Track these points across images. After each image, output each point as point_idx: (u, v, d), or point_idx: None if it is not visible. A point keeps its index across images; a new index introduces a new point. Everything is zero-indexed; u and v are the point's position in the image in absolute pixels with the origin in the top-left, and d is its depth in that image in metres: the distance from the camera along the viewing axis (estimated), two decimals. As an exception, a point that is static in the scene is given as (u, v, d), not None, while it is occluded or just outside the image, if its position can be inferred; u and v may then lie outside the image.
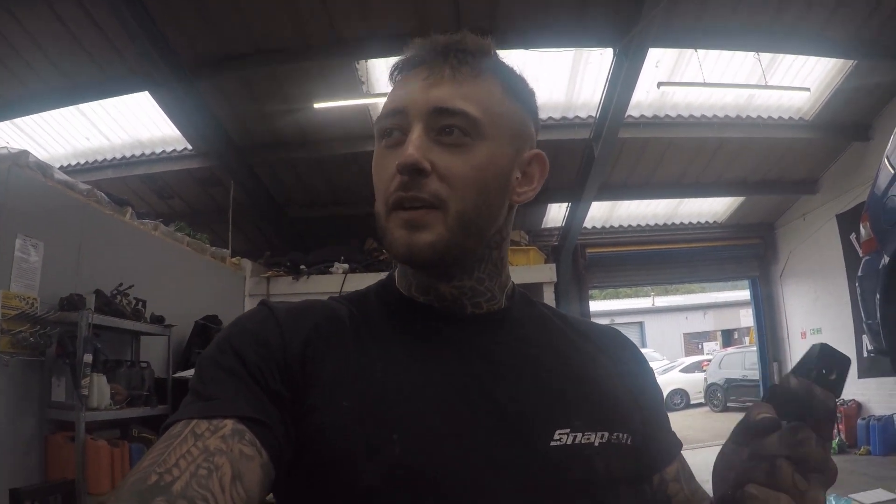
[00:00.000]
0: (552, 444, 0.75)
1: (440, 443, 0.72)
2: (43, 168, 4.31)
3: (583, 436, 0.77)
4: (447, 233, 0.78)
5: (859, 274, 4.67)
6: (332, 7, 6.10)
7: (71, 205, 4.54)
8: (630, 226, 11.55)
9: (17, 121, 7.44)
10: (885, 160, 4.46)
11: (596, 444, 0.77)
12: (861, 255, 5.01)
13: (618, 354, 0.94)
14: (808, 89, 7.58)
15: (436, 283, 0.85)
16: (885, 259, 4.14)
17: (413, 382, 0.76)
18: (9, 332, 3.60)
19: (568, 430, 0.76)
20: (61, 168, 6.21)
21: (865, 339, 8.20)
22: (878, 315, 4.13)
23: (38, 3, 5.64)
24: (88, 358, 4.00)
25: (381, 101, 6.98)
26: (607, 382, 0.85)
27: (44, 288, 3.97)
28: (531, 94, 0.90)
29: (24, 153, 4.07)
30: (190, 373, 5.39)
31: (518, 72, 0.89)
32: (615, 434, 0.79)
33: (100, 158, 8.36)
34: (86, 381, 3.97)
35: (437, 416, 0.74)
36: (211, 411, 0.68)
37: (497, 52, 0.87)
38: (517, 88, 0.87)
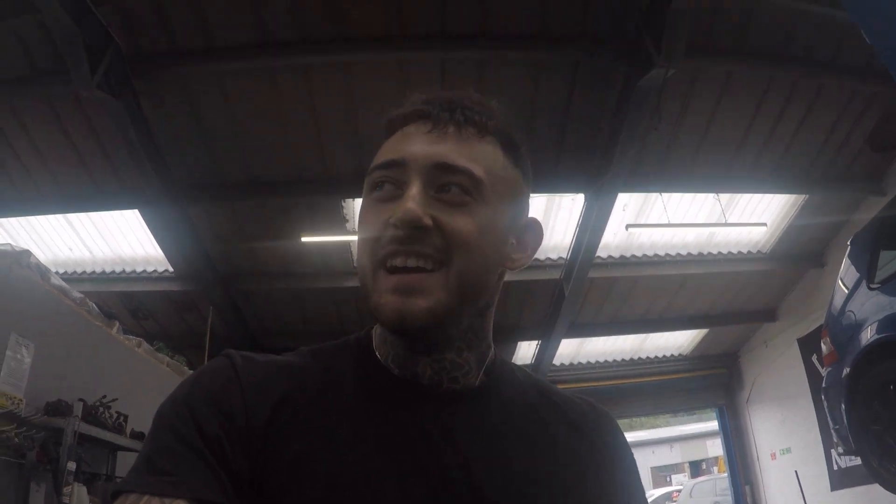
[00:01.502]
0: None
1: None
2: (42, 271, 4.38)
3: None
4: (447, 297, 0.73)
5: (823, 385, 4.92)
6: (327, 146, 6.50)
7: (63, 311, 4.58)
8: (598, 362, 11.79)
9: (3, 221, 7.46)
10: (839, 282, 4.84)
11: None
12: (823, 369, 5.29)
13: (597, 437, 0.88)
14: (764, 224, 8.13)
15: (415, 356, 0.79)
16: (847, 369, 4.40)
17: (381, 472, 0.71)
18: (-9, 431, 3.50)
19: None
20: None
21: (834, 453, 8.37)
22: (845, 420, 4.34)
23: (46, 112, 5.94)
24: (72, 466, 3.92)
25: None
26: (581, 472, 0.81)
27: (29, 389, 3.91)
28: (527, 159, 0.87)
29: (27, 253, 4.15)
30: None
31: (518, 136, 0.86)
32: None
33: (79, 270, 8.33)
34: (67, 489, 3.87)
35: None
36: (163, 489, 0.65)
37: (500, 112, 0.84)
38: (517, 154, 0.84)
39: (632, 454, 0.93)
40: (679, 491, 18.65)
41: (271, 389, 0.74)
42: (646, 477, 26.50)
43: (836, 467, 8.78)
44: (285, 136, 6.47)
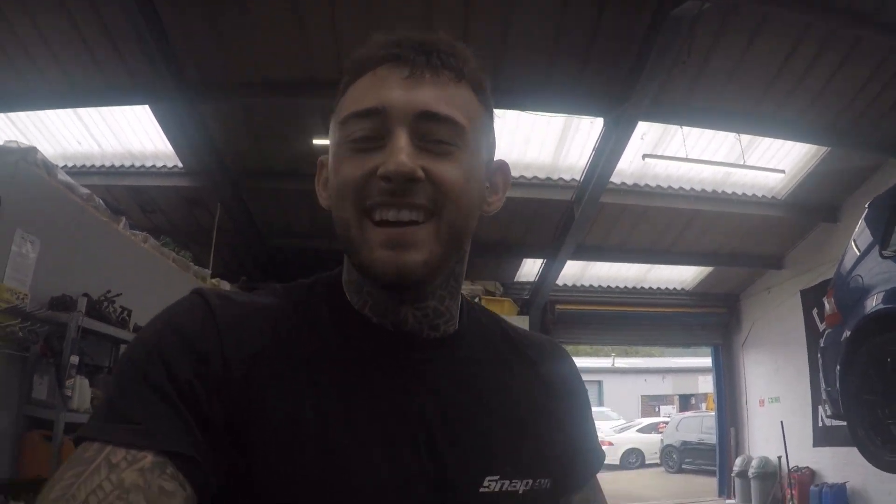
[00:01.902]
0: (481, 490, 0.75)
1: (383, 494, 0.70)
2: (48, 167, 4.36)
3: (510, 483, 0.77)
4: (440, 247, 0.73)
5: (822, 345, 4.94)
6: (343, 46, 6.30)
7: (70, 207, 4.59)
8: (600, 286, 11.80)
9: (11, 115, 7.38)
10: (852, 243, 4.76)
11: (520, 491, 0.78)
12: (822, 328, 5.30)
13: (552, 372, 0.92)
14: (783, 171, 7.98)
15: (398, 305, 0.79)
16: (847, 333, 4.40)
17: (360, 423, 0.72)
18: (-3, 325, 3.57)
19: (497, 477, 0.76)
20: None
21: (821, 409, 8.51)
22: (838, 384, 4.37)
23: (56, 6, 5.71)
24: (75, 359, 4.01)
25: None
26: (539, 418, 0.85)
27: (35, 285, 3.98)
28: (492, 100, 0.85)
29: (33, 150, 4.12)
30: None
31: (486, 76, 0.84)
32: (538, 480, 0.80)
33: (88, 164, 8.29)
34: (70, 381, 3.97)
35: (381, 458, 0.71)
36: (130, 438, 0.62)
37: (471, 54, 0.82)
38: (486, 95, 0.82)
39: (585, 388, 0.98)
40: (666, 423, 19.09)
41: (250, 336, 0.72)
42: (635, 405, 27.24)
43: (821, 424, 8.93)
44: (301, 38, 6.26)
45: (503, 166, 0.88)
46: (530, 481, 0.79)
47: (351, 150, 0.75)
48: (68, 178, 4.67)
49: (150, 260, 5.89)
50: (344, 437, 0.70)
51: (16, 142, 4.14)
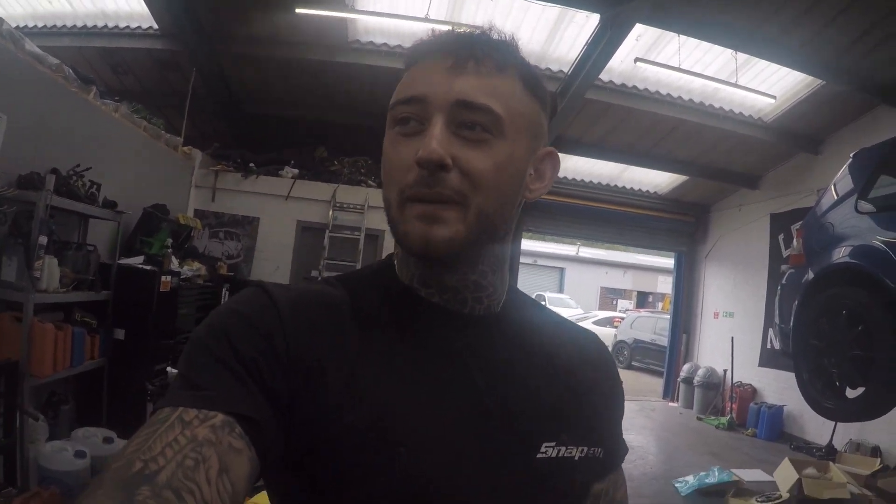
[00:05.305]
0: (539, 455, 0.79)
1: (443, 457, 0.73)
2: (15, 38, 4.12)
3: (566, 449, 0.81)
4: (465, 229, 0.76)
5: (783, 282, 5.06)
6: None
7: (38, 79, 4.38)
8: (574, 179, 11.73)
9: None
10: (832, 187, 4.76)
11: (576, 458, 0.82)
12: (785, 261, 5.41)
13: (595, 363, 0.95)
14: (774, 97, 7.85)
15: (440, 273, 0.83)
16: (810, 275, 4.51)
17: (417, 394, 0.76)
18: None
19: (554, 444, 0.80)
20: (18, 29, 5.79)
21: (771, 332, 8.82)
22: (792, 322, 4.53)
23: None
24: (43, 240, 3.96)
25: (363, 18, 6.79)
26: (588, 395, 0.88)
27: (1, 163, 3.87)
28: (546, 90, 0.88)
29: (-1, 20, 3.90)
30: (135, 260, 5.40)
31: (536, 68, 0.87)
32: (591, 449, 0.84)
33: (59, 24, 7.85)
34: (39, 262, 3.93)
35: (440, 428, 0.75)
36: (201, 402, 0.66)
37: (519, 47, 0.85)
38: (536, 85, 0.85)
39: (621, 381, 1.01)
40: (622, 318, 19.48)
41: (308, 319, 0.76)
42: (594, 296, 27.96)
43: (769, 346, 9.25)
44: None
45: (552, 154, 0.89)
46: (585, 448, 0.83)
47: (398, 133, 0.79)
48: (36, 49, 4.42)
49: (121, 130, 5.72)
50: (399, 399, 0.74)
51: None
